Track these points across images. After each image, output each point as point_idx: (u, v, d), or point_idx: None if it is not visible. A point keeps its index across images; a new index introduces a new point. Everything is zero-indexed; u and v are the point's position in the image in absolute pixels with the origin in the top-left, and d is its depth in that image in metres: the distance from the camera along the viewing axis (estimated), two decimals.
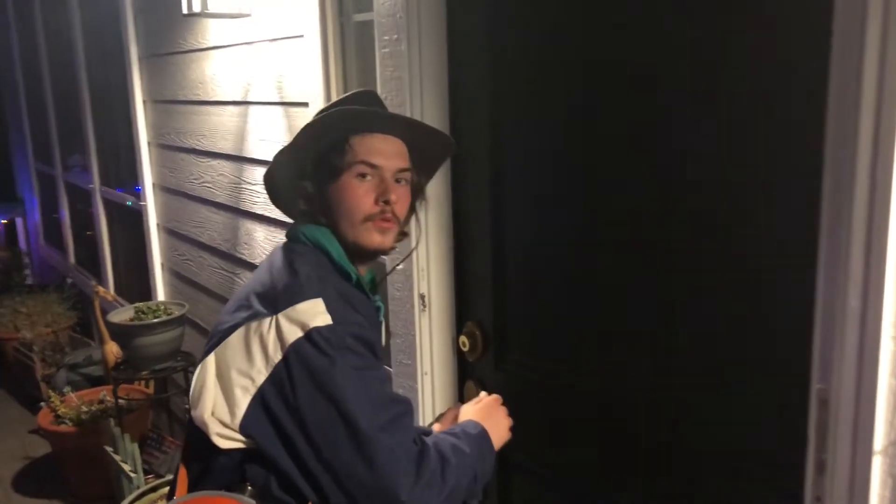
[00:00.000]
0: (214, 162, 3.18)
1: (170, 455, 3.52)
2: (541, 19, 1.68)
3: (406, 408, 1.32)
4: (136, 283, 4.58)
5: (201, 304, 3.51)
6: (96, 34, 4.55)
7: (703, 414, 1.45)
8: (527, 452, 1.86)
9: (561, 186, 1.69)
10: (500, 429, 1.52)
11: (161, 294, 3.98)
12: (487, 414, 1.53)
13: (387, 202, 1.39)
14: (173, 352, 3.39)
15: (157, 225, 3.93)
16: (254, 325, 1.28)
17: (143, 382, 3.98)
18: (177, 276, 3.81)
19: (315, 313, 1.25)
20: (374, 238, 1.41)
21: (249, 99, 2.81)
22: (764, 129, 1.28)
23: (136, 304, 3.47)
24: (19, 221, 7.16)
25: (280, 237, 2.73)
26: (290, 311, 1.26)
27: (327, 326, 1.24)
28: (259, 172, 2.82)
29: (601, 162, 1.58)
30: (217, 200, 3.19)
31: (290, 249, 1.41)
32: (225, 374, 1.29)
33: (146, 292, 4.14)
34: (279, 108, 2.62)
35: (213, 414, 1.27)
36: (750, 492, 1.38)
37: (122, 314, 3.42)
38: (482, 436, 1.46)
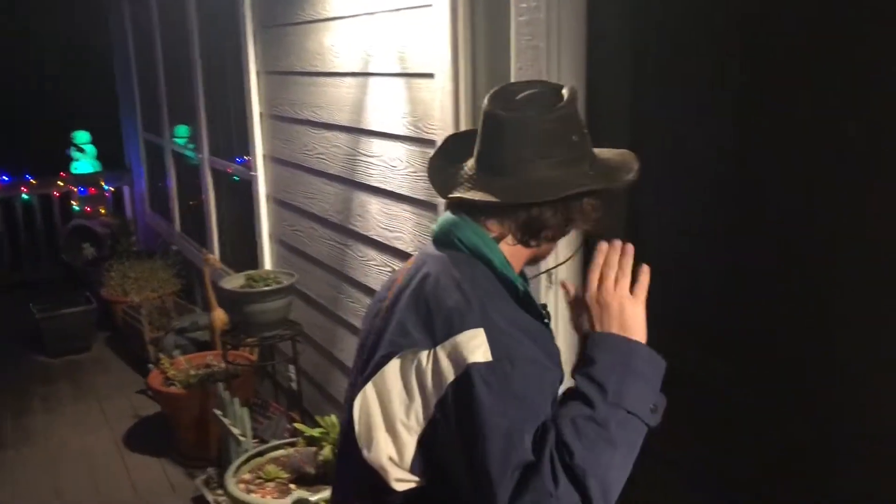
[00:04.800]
0: (329, 133, 3.19)
1: (274, 420, 3.58)
2: None
3: (538, 458, 1.09)
4: (241, 252, 4.68)
5: (309, 275, 3.55)
6: (210, 4, 4.63)
7: (857, 419, 1.36)
8: (668, 444, 1.79)
9: (707, 168, 1.61)
10: (626, 317, 1.20)
11: (268, 263, 4.05)
12: (602, 312, 1.21)
13: None
14: (282, 320, 3.44)
15: (267, 195, 3.99)
16: (410, 355, 1.20)
17: (248, 349, 4.07)
18: (285, 245, 3.87)
19: (474, 347, 1.13)
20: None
21: (369, 70, 2.80)
22: None
23: (247, 273, 3.54)
24: (126, 189, 7.41)
25: (395, 210, 2.73)
26: (448, 343, 1.15)
27: (486, 364, 1.11)
28: (377, 144, 2.81)
29: (753, 140, 1.49)
30: (331, 172, 3.20)
31: (447, 261, 1.26)
32: (387, 409, 1.21)
33: (251, 261, 4.22)
34: (400, 80, 2.60)
35: (389, 458, 1.19)
36: None
37: (234, 281, 3.49)
38: (608, 350, 1.17)
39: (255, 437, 3.49)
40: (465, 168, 1.32)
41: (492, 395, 1.10)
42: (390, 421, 1.20)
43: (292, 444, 3.21)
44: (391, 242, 2.78)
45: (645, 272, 1.22)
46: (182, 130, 5.85)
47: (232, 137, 4.64)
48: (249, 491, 2.98)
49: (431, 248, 1.33)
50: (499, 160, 1.25)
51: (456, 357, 1.14)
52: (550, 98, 1.27)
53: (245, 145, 4.16)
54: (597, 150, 1.33)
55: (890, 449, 1.33)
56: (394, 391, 1.20)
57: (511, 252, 1.28)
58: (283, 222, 3.83)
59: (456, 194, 1.29)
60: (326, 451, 2.98)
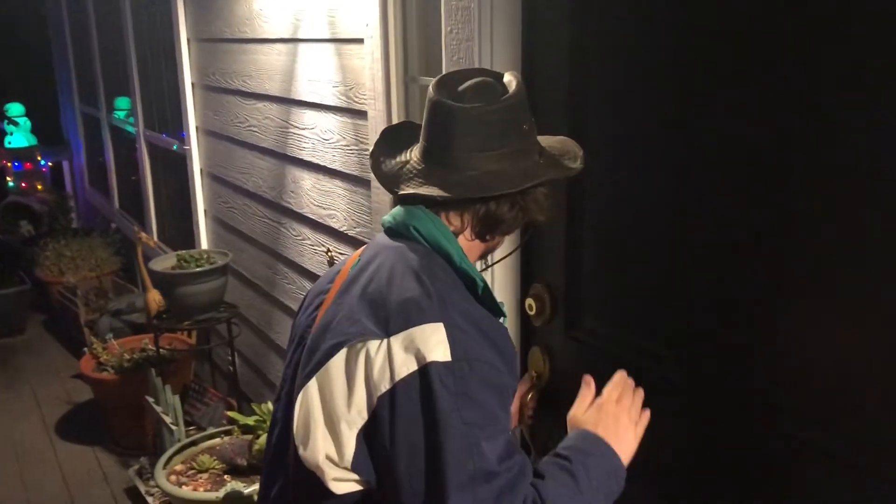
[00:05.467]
0: (261, 104, 3.01)
1: (211, 407, 3.43)
2: None
3: (507, 482, 1.07)
4: (179, 229, 4.49)
5: (245, 253, 3.38)
6: None
7: (801, 406, 1.26)
8: None
9: (648, 138, 1.49)
10: (625, 439, 1.25)
11: (204, 242, 3.87)
12: (610, 420, 1.27)
13: None
14: (216, 302, 3.28)
15: (201, 170, 3.79)
16: (358, 345, 1.11)
17: (185, 332, 3.89)
18: (220, 223, 3.68)
19: (434, 343, 1.07)
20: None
21: (299, 36, 2.62)
22: None
23: (179, 252, 3.36)
24: (65, 164, 7.11)
25: (328, 186, 2.57)
26: (404, 335, 1.08)
27: (445, 364, 1.05)
28: (309, 116, 2.64)
29: (697, 112, 1.36)
30: (263, 145, 3.03)
31: (405, 250, 1.20)
32: (328, 404, 1.12)
33: (189, 239, 4.04)
34: (331, 46, 2.43)
35: (326, 457, 1.11)
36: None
37: (165, 262, 3.31)
38: (603, 454, 1.21)
39: (192, 425, 3.34)
40: (412, 161, 1.25)
41: (449, 397, 1.05)
42: (330, 416, 1.12)
43: (228, 433, 3.06)
44: (325, 220, 2.63)
45: (646, 415, 1.31)
46: (123, 103, 5.57)
47: (166, 110, 4.42)
48: (181, 483, 2.83)
49: (384, 239, 1.26)
50: (449, 152, 1.20)
51: (414, 351, 1.07)
52: (496, 87, 1.23)
53: (178, 118, 3.95)
54: (539, 138, 1.28)
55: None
56: (337, 384, 1.12)
57: (467, 247, 1.26)
58: (219, 199, 3.64)
59: (409, 190, 1.21)
60: (262, 441, 2.84)
